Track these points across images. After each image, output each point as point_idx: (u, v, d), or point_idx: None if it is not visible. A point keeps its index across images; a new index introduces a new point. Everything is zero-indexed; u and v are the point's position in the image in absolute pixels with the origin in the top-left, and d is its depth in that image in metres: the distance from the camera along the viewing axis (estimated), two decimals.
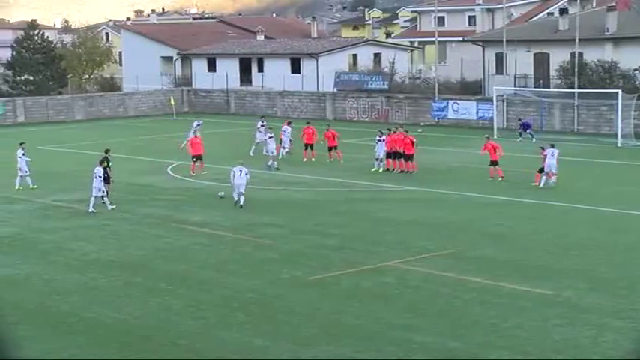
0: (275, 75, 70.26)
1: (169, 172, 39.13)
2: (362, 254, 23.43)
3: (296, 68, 71.38)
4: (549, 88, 56.11)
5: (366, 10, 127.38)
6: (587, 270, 21.42)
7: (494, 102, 53.21)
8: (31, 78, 74.05)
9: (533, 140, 48.01)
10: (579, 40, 53.13)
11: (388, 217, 28.48)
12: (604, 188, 33.62)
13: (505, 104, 55.32)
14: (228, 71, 73.60)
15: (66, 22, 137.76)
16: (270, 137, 39.96)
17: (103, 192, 29.87)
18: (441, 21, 72.98)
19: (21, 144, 35.26)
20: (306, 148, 41.73)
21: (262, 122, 45.26)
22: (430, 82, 64.06)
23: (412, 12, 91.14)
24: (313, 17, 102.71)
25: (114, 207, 29.94)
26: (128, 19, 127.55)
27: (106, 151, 32.55)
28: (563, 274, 20.99)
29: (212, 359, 16.14)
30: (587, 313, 18.01)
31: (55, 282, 21.33)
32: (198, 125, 47.02)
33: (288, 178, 37.00)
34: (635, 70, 53.61)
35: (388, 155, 37.77)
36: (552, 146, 34.22)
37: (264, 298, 19.56)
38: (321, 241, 25.07)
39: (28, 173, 34.57)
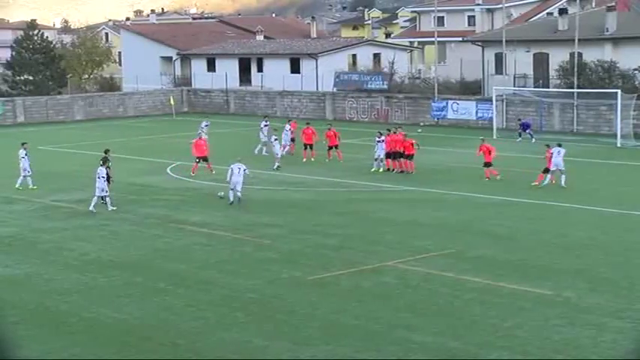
0: (274, 75, 70.28)
1: (169, 172, 39.13)
2: (361, 254, 23.43)
3: (295, 68, 71.40)
4: (549, 88, 56.12)
5: (366, 10, 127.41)
6: (587, 270, 21.42)
7: (494, 102, 53.23)
8: (31, 78, 74.08)
9: (533, 140, 48.03)
10: (579, 40, 53.14)
11: (388, 217, 28.48)
12: (604, 188, 33.62)
13: (504, 104, 55.33)
14: (228, 71, 73.61)
15: (65, 22, 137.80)
16: (275, 139, 40.00)
17: (106, 192, 29.88)
18: (440, 21, 72.99)
19: (23, 144, 35.27)
20: (306, 148, 41.76)
21: (266, 122, 45.35)
22: (430, 82, 64.08)
23: (412, 12, 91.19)
24: (313, 17, 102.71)
25: (114, 208, 29.92)
26: (128, 19, 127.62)
27: (106, 151, 32.54)
28: (563, 274, 20.99)
29: (212, 359, 16.13)
30: (587, 314, 18.01)
31: (54, 282, 21.33)
32: (205, 126, 47.09)
33: (287, 178, 37.00)
34: (635, 70, 53.62)
35: (388, 155, 37.79)
36: (559, 145, 34.27)
37: (263, 298, 19.56)
38: (321, 241, 25.07)
39: (30, 173, 34.57)
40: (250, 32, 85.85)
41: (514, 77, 59.62)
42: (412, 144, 37.22)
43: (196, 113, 70.47)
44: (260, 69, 74.13)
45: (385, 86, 63.54)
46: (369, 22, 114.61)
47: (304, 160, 41.21)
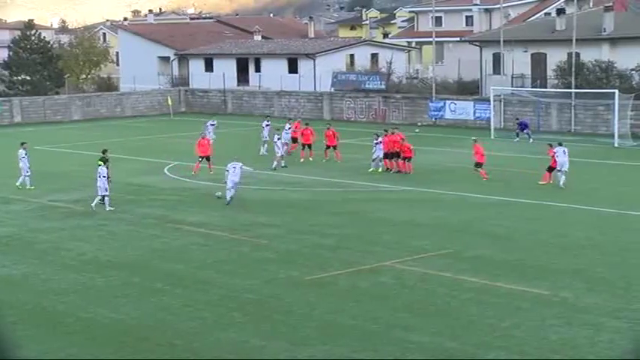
0: (272, 75, 70.27)
1: (166, 172, 39.11)
2: (359, 254, 23.42)
3: (293, 68, 71.38)
4: (546, 88, 56.16)
5: (364, 10, 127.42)
6: (584, 270, 21.43)
7: (492, 102, 53.25)
8: (28, 78, 74.04)
9: (530, 140, 48.05)
10: (576, 40, 53.18)
11: (385, 217, 28.48)
12: (601, 188, 33.63)
13: (502, 104, 55.35)
14: (226, 71, 73.59)
15: (63, 22, 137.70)
16: (277, 138, 40.07)
17: (107, 191, 29.90)
18: (438, 21, 73.06)
19: (22, 144, 35.26)
20: (304, 148, 41.77)
21: (267, 122, 45.47)
22: (427, 82, 64.10)
23: (409, 12, 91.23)
24: (310, 17, 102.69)
25: (112, 208, 29.91)
26: (125, 19, 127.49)
27: (104, 151, 32.51)
28: (560, 274, 20.99)
29: (209, 359, 16.12)
30: (585, 313, 18.01)
31: (51, 282, 21.30)
32: (211, 125, 47.08)
33: (285, 178, 36.99)
34: (632, 70, 53.67)
35: (386, 156, 37.78)
36: (560, 144, 34.34)
37: (261, 298, 19.55)
38: (318, 241, 25.06)
39: (29, 173, 34.56)
40: (248, 32, 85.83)
41: (512, 77, 59.67)
42: (409, 148, 37.25)
43: (194, 113, 70.50)
44: (258, 69, 74.12)
45: (383, 86, 63.55)
46: (367, 22, 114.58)
47: (302, 160, 41.21)
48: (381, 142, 37.82)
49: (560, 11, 63.45)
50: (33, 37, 75.64)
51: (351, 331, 17.22)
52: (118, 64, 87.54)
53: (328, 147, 41.32)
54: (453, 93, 61.27)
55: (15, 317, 18.38)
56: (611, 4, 59.26)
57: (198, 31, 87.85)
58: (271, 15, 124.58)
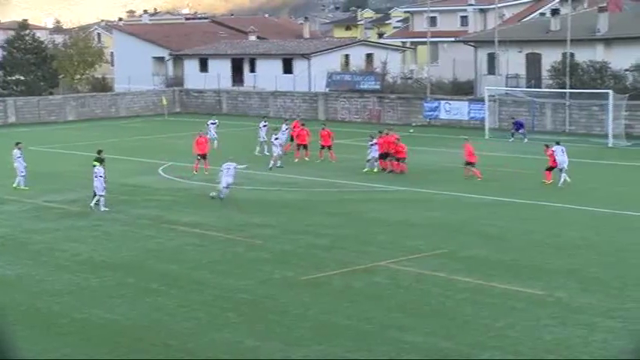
0: (267, 75, 70.27)
1: (161, 172, 39.09)
2: (354, 254, 23.43)
3: (288, 68, 71.39)
4: (541, 88, 56.24)
5: (359, 10, 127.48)
6: (578, 270, 21.46)
7: (486, 102, 53.31)
8: (22, 78, 73.95)
9: (525, 140, 48.13)
10: (571, 40, 53.27)
11: (380, 217, 28.49)
12: (596, 188, 33.69)
13: (497, 104, 55.41)
14: (221, 72, 73.57)
15: (57, 22, 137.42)
16: (275, 138, 40.16)
17: (103, 191, 29.90)
18: (433, 21, 73.14)
19: (17, 144, 35.21)
20: (299, 148, 41.79)
21: (265, 122, 45.51)
22: (422, 82, 64.15)
23: (404, 12, 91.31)
24: (306, 17, 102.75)
25: (107, 209, 29.88)
26: (120, 19, 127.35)
27: (99, 152, 32.48)
28: (554, 274, 21.02)
29: (204, 359, 16.13)
30: (579, 313, 18.03)
31: (46, 283, 21.27)
32: (212, 124, 47.13)
33: (280, 178, 36.99)
34: (626, 70, 53.77)
35: (381, 156, 37.81)
36: (558, 143, 34.47)
37: (255, 299, 19.55)
38: (313, 242, 25.06)
39: (24, 174, 34.53)
40: (243, 32, 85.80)
41: (506, 77, 59.73)
42: (404, 149, 37.29)
43: (189, 114, 70.49)
44: (253, 69, 74.11)
45: (378, 86, 63.59)
46: (362, 22, 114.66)
47: (296, 160, 41.21)
48: (376, 144, 37.84)
49: (555, 12, 63.56)
50: (27, 37, 75.51)
51: (346, 331, 17.22)
52: (112, 65, 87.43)
53: (323, 147, 41.37)
54: (448, 93, 61.35)
55: (9, 318, 18.33)
56: (605, 4, 59.36)
57: (193, 31, 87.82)
58: (266, 15, 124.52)
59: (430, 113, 58.59)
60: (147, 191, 34.31)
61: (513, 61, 59.39)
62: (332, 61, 69.70)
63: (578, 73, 54.54)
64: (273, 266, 22.23)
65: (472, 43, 64.42)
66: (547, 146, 34.42)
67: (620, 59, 54.07)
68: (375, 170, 37.72)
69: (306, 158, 41.37)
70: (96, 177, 30.00)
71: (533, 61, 59.99)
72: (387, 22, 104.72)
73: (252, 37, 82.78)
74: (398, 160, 37.31)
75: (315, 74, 67.70)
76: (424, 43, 67.60)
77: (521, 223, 27.24)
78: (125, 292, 20.22)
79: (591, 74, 54.49)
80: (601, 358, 15.67)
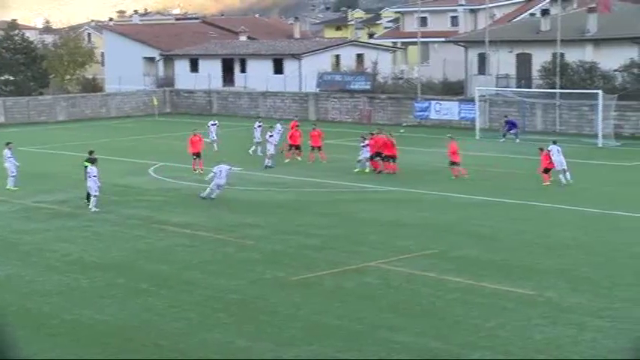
0: (258, 75, 70.22)
1: (151, 172, 39.03)
2: (344, 255, 23.44)
3: (279, 69, 71.36)
4: (531, 88, 56.36)
5: (349, 10, 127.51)
6: (568, 270, 21.51)
7: (477, 102, 53.39)
8: (12, 78, 73.67)
9: (517, 140, 48.21)
10: (561, 40, 53.42)
11: (371, 217, 28.51)
12: (586, 188, 33.77)
13: (487, 105, 55.51)
14: (211, 72, 73.50)
15: (47, 22, 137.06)
16: (270, 136, 40.37)
17: (97, 191, 29.85)
18: (423, 21, 73.21)
19: (7, 144, 35.10)
20: (290, 149, 41.78)
21: (259, 123, 45.56)
22: (413, 82, 64.22)
23: (395, 12, 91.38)
24: (296, 18, 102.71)
25: (97, 209, 29.82)
26: (110, 19, 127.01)
27: (90, 152, 32.40)
28: (545, 274, 21.07)
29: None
30: (569, 313, 18.09)
31: (35, 283, 21.21)
32: (212, 125, 47.21)
33: (271, 179, 36.99)
34: (615, 71, 53.95)
35: (372, 157, 37.80)
36: (554, 143, 34.65)
37: (246, 299, 19.54)
38: (304, 242, 25.06)
39: (14, 174, 34.42)
40: (233, 33, 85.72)
41: (497, 77, 59.85)
42: (393, 144, 37.37)
43: (179, 114, 70.40)
44: (243, 69, 74.04)
45: (368, 87, 63.62)
46: (353, 22, 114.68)
47: (287, 160, 41.21)
48: (367, 145, 37.84)
49: (545, 12, 63.71)
50: (16, 37, 75.25)
51: (337, 332, 17.23)
52: (103, 65, 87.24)
53: (313, 148, 41.39)
54: (438, 93, 61.42)
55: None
56: (594, 5, 59.54)
57: (183, 31, 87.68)
58: (257, 15, 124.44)
59: (421, 113, 58.65)
60: (137, 191, 34.25)
61: (504, 61, 59.51)
62: (322, 62, 69.70)
63: (568, 73, 54.69)
64: (264, 266, 22.22)
65: (462, 44, 64.52)
66: (541, 150, 34.42)
67: (608, 59, 54.23)
68: (367, 170, 37.72)
69: (299, 158, 41.37)
70: (89, 177, 29.94)
71: (523, 62, 60.13)
72: (377, 22, 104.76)
73: (243, 38, 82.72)
74: (388, 158, 37.28)
75: (305, 74, 67.69)
76: (415, 43, 67.64)
77: (511, 223, 27.29)
78: (115, 293, 20.19)
79: (581, 74, 54.65)
80: (590, 358, 15.72)
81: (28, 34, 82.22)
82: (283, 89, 67.71)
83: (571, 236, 25.34)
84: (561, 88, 52.86)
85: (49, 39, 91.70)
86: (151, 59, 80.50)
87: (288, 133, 42.83)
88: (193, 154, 38.14)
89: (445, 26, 77.27)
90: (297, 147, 41.69)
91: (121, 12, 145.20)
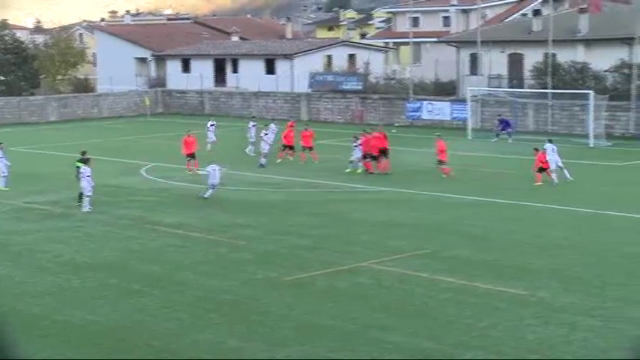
0: (250, 76, 70.18)
1: (143, 173, 38.97)
2: (337, 255, 23.43)
3: (271, 69, 71.33)
4: (523, 88, 56.46)
5: (341, 10, 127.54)
6: (561, 270, 21.54)
7: (469, 102, 53.45)
8: (2, 78, 73.47)
9: (510, 140, 48.27)
10: (552, 41, 53.53)
11: (363, 217, 28.51)
12: (578, 188, 33.83)
13: (479, 105, 55.57)
14: (203, 72, 73.43)
15: (38, 22, 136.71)
16: (265, 133, 40.56)
17: (90, 192, 29.79)
18: (415, 21, 73.27)
19: None
20: (284, 149, 41.75)
21: (254, 122, 45.56)
22: (405, 82, 64.26)
23: (387, 12, 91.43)
24: (288, 18, 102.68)
25: (91, 208, 29.74)
26: (102, 19, 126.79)
27: (83, 153, 32.30)
28: (537, 274, 21.09)
29: None
30: (561, 313, 18.11)
31: (26, 284, 21.13)
32: (212, 125, 47.23)
33: (263, 179, 36.96)
34: (606, 71, 54.09)
35: (365, 156, 37.83)
36: (550, 141, 34.76)
37: (238, 299, 19.52)
38: (296, 242, 25.05)
39: (5, 174, 34.30)
40: (225, 33, 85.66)
41: (489, 78, 59.92)
42: (385, 136, 37.66)
43: (171, 114, 70.31)
44: (235, 70, 73.99)
45: (360, 87, 63.64)
46: (345, 22, 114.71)
47: (279, 160, 41.18)
48: (360, 145, 37.83)
49: (537, 12, 63.84)
50: (7, 37, 75.02)
51: (329, 332, 17.22)
52: (95, 65, 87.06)
53: (304, 148, 41.40)
54: (430, 93, 61.48)
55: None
56: (585, 6, 59.68)
57: (175, 31, 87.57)
58: (249, 16, 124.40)
59: (413, 114, 58.69)
60: (129, 192, 34.19)
61: (496, 62, 59.60)
62: (314, 62, 69.70)
63: (559, 73, 54.82)
64: (256, 267, 22.20)
65: (454, 44, 64.58)
66: (537, 150, 34.47)
67: (600, 60, 54.38)
68: (359, 171, 37.68)
69: (290, 158, 41.36)
70: (83, 177, 29.86)
71: (515, 62, 60.23)
72: (369, 22, 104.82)
73: (235, 38, 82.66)
74: (381, 152, 37.33)
75: (297, 75, 67.68)
76: (407, 43, 67.70)
77: (503, 223, 27.33)
78: (107, 294, 20.13)
79: (573, 75, 54.78)
80: (583, 358, 15.75)
81: (19, 34, 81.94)
82: (275, 89, 67.69)
83: (563, 236, 25.38)
84: (553, 88, 52.97)
85: (40, 39, 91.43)
86: (142, 59, 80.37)
87: (282, 133, 42.83)
88: (187, 155, 38.08)
89: (437, 26, 77.32)
90: (291, 147, 41.69)
91: (113, 12, 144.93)
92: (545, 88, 53.44)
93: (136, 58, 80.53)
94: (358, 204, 31.20)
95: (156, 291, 20.26)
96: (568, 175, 34.27)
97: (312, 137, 41.84)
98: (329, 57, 72.36)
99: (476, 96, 54.99)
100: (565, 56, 55.64)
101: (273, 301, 19.32)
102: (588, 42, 56.73)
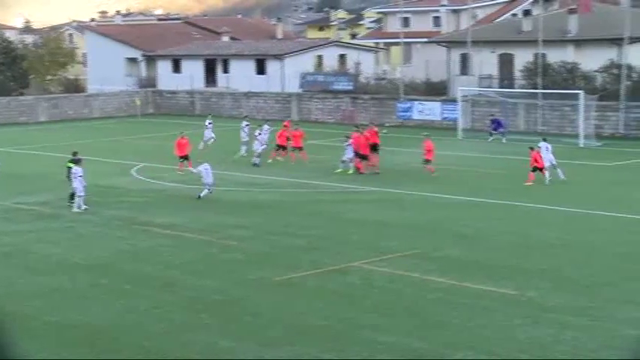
0: (240, 76, 70.16)
1: (134, 173, 38.91)
2: (328, 255, 23.45)
3: (261, 69, 71.33)
4: (514, 88, 56.60)
5: (332, 11, 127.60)
6: (551, 270, 21.61)
7: (459, 102, 53.54)
8: None
9: (504, 141, 48.32)
10: (543, 41, 53.68)
11: (353, 217, 28.54)
12: (568, 188, 33.93)
13: (470, 105, 55.67)
14: (194, 72, 73.37)
15: (27, 22, 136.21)
16: (258, 133, 40.69)
17: (82, 192, 29.74)
18: (406, 22, 73.38)
19: None
20: (278, 149, 41.73)
21: (247, 122, 45.56)
22: (395, 82, 64.34)
23: (377, 13, 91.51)
24: (279, 18, 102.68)
25: (80, 210, 29.69)
26: (92, 19, 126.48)
27: (74, 153, 32.23)
28: (527, 274, 21.16)
29: None
30: (551, 312, 18.17)
31: (17, 285, 21.10)
32: (209, 124, 47.20)
33: (254, 179, 36.96)
34: (596, 71, 54.27)
35: (356, 155, 37.90)
36: (544, 140, 34.90)
37: (229, 300, 19.53)
38: (287, 242, 25.07)
39: None
40: (216, 33, 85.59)
41: (479, 78, 60.04)
42: (376, 132, 37.88)
43: (161, 115, 70.21)
44: (226, 70, 73.95)
45: (351, 87, 63.70)
46: (335, 23, 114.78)
47: (270, 160, 41.17)
48: (351, 144, 37.86)
49: (527, 13, 64.03)
50: None
51: (320, 332, 17.25)
52: (85, 66, 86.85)
53: (294, 148, 41.42)
54: (421, 94, 61.54)
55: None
56: (575, 6, 59.86)
57: (166, 32, 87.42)
58: (239, 16, 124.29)
59: (403, 114, 58.76)
60: (120, 192, 34.14)
61: (486, 62, 59.72)
62: (305, 62, 69.71)
63: (550, 73, 54.97)
64: (248, 267, 22.21)
65: (445, 44, 64.68)
66: (532, 149, 34.55)
67: (589, 60, 54.57)
68: (350, 172, 37.66)
69: (280, 158, 41.35)
70: (75, 178, 29.81)
71: (505, 62, 60.37)
72: (360, 22, 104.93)
73: (225, 38, 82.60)
74: (362, 157, 37.46)
75: (288, 75, 67.69)
76: (397, 43, 67.80)
77: (494, 223, 27.39)
78: (98, 294, 20.12)
79: (563, 75, 54.95)
80: (572, 358, 15.81)
81: (7, 34, 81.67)
82: (266, 90, 67.68)
83: (553, 236, 25.46)
84: (543, 88, 53.11)
85: (29, 39, 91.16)
86: (133, 60, 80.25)
87: (277, 133, 42.79)
88: (181, 157, 38.00)
89: (428, 26, 77.43)
90: (284, 148, 41.69)
91: (103, 12, 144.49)
92: (536, 88, 53.58)
93: (127, 59, 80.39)
94: (349, 204, 31.22)
95: (147, 291, 20.26)
96: (561, 175, 34.38)
97: (303, 137, 41.87)
98: (320, 57, 72.38)
99: (466, 96, 55.08)
100: (555, 56, 55.80)
101: (264, 301, 19.34)
102: (578, 42, 56.93)
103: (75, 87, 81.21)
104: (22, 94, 72.63)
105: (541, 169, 33.93)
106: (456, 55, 62.45)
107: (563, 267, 21.91)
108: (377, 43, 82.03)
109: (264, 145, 41.19)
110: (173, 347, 16.60)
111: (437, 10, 78.74)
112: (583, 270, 21.61)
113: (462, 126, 52.43)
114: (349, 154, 37.83)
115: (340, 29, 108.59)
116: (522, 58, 57.72)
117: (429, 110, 57.41)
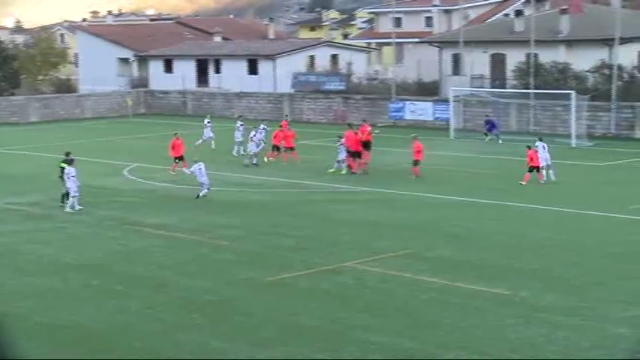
0: (232, 76, 70.08)
1: (126, 173, 38.84)
2: (320, 255, 23.45)
3: (253, 69, 71.28)
4: (506, 88, 56.67)
5: (324, 11, 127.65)
6: (543, 270, 21.65)
7: (451, 103, 53.59)
8: None
9: (500, 142, 48.32)
10: (534, 41, 53.77)
11: (346, 217, 28.54)
12: (560, 188, 33.99)
13: (462, 105, 55.72)
14: (185, 72, 73.28)
15: (18, 22, 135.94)
16: (253, 134, 40.67)
17: (75, 192, 29.68)
18: (397, 22, 73.41)
19: None
20: (273, 150, 41.70)
21: (241, 122, 45.52)
22: (387, 83, 64.37)
23: (369, 13, 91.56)
24: (271, 18, 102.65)
25: (71, 210, 29.62)
26: (84, 20, 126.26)
27: (67, 154, 32.13)
28: (519, 274, 21.19)
29: None
30: (542, 312, 18.21)
31: (8, 286, 21.04)
32: (208, 123, 47.14)
33: (246, 179, 36.94)
34: (587, 71, 54.40)
35: (349, 154, 37.91)
36: (540, 139, 34.96)
37: (221, 300, 19.51)
38: (279, 242, 25.06)
39: None
40: (208, 33, 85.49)
41: (471, 78, 60.10)
42: (369, 131, 37.99)
43: (153, 115, 70.09)
44: (218, 70, 73.88)
45: (343, 87, 63.70)
46: (327, 23, 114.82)
47: (265, 160, 41.11)
48: (344, 144, 37.86)
49: (519, 13, 64.12)
50: None
51: (312, 332, 17.25)
52: (77, 66, 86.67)
53: (286, 149, 41.39)
54: (413, 94, 61.56)
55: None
56: (566, 6, 59.99)
57: (158, 32, 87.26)
58: (231, 16, 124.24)
59: (395, 114, 58.78)
60: (112, 193, 34.08)
61: (478, 62, 59.77)
62: (297, 62, 69.68)
63: (541, 73, 55.06)
64: (239, 267, 22.20)
65: (437, 44, 64.72)
66: (529, 147, 34.60)
67: (581, 60, 54.68)
68: (343, 172, 37.63)
69: (272, 159, 41.32)
70: (68, 178, 29.75)
71: (497, 62, 60.44)
72: (352, 22, 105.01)
73: (217, 38, 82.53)
74: (364, 147, 37.55)
75: (280, 75, 67.66)
76: (389, 43, 67.84)
77: (486, 224, 27.43)
78: (90, 294, 20.08)
79: (554, 75, 55.04)
80: (564, 358, 15.85)
81: None
82: (258, 90, 67.64)
83: (545, 236, 25.51)
84: (535, 88, 53.20)
85: (20, 39, 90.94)
86: (125, 60, 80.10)
87: (273, 133, 42.72)
88: (175, 158, 37.91)
89: (419, 27, 77.49)
90: (277, 148, 41.65)
91: (95, 12, 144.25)
92: (528, 89, 53.67)
93: (119, 59, 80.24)
94: (341, 204, 31.23)
95: (139, 292, 20.23)
96: (552, 177, 34.38)
97: (294, 137, 41.84)
98: (311, 57, 72.35)
99: (458, 96, 55.12)
100: (547, 56, 55.90)
101: (256, 301, 19.33)
102: (570, 43, 57.05)
103: (66, 87, 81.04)
104: (13, 94, 72.43)
105: (537, 169, 33.98)
106: (447, 55, 62.50)
107: (554, 267, 21.95)
108: (369, 43, 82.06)
109: (262, 145, 41.17)
110: (165, 347, 16.58)
111: (429, 11, 78.82)
112: (574, 270, 21.66)
113: (454, 126, 52.48)
114: (343, 154, 37.83)
115: (332, 29, 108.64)
116: (514, 58, 57.79)
117: (421, 110, 57.44)
